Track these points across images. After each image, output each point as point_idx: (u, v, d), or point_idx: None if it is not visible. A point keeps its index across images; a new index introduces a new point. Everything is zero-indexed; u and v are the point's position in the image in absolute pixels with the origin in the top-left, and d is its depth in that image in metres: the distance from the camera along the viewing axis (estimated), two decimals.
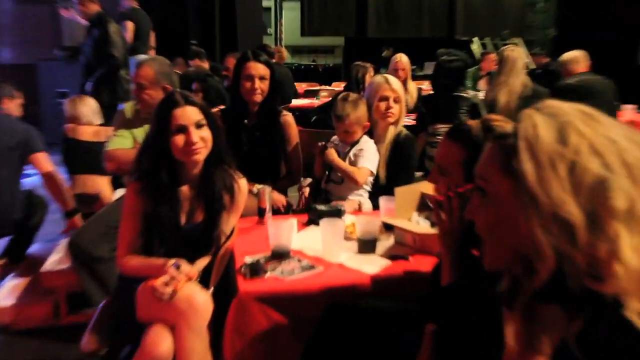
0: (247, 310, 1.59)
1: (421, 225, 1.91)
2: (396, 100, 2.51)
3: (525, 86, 3.89)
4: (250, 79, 2.55)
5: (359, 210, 2.40)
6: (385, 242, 1.96)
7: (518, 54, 3.98)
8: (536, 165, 0.78)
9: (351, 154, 2.48)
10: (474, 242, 1.30)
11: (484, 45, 10.72)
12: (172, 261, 1.66)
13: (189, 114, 1.74)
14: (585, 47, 4.12)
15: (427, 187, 1.52)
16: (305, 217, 2.21)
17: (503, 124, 1.32)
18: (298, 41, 12.31)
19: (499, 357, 0.88)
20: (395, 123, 2.55)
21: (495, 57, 6.99)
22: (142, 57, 5.62)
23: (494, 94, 3.96)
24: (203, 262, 1.80)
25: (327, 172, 2.54)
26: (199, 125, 1.74)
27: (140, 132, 2.57)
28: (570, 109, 0.82)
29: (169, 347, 1.59)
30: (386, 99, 2.51)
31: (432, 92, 4.33)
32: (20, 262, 3.00)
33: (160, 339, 1.59)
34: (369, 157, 2.45)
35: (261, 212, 2.20)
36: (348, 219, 2.13)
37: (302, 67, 12.35)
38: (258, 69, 2.56)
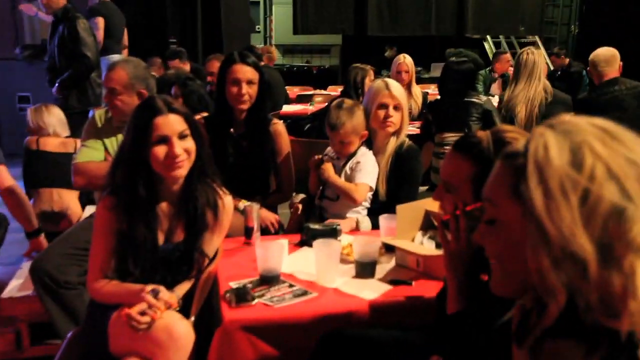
0: (233, 341, 1.61)
1: (425, 246, 1.94)
2: (397, 108, 2.55)
3: (546, 92, 3.94)
4: (237, 83, 2.59)
5: (356, 229, 2.42)
6: (386, 265, 1.99)
7: (538, 56, 4.02)
8: (545, 193, 0.79)
9: (347, 167, 2.51)
10: (483, 266, 1.34)
11: (497, 44, 10.81)
12: (150, 287, 1.69)
13: (172, 124, 1.75)
14: (610, 45, 4.17)
15: (432, 204, 1.56)
16: (297, 237, 2.23)
17: (516, 136, 1.35)
18: (290, 40, 12.33)
19: None
20: (397, 133, 2.58)
21: (509, 57, 7.08)
22: (114, 57, 5.66)
23: (511, 103, 3.99)
24: (183, 287, 1.82)
25: (321, 188, 2.57)
26: (182, 136, 1.76)
27: (113, 143, 2.60)
28: (587, 126, 0.82)
29: None
30: (385, 106, 2.54)
31: (439, 97, 4.39)
32: None
33: None
34: (367, 171, 2.48)
35: (248, 232, 2.23)
36: (344, 239, 2.16)
37: (295, 68, 12.39)
38: (245, 72, 2.60)
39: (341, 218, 2.45)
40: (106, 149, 2.59)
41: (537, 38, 11.03)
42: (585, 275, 0.76)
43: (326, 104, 4.84)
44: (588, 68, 4.12)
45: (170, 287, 1.79)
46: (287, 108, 6.21)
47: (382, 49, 10.16)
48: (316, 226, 2.21)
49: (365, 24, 9.44)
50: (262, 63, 6.33)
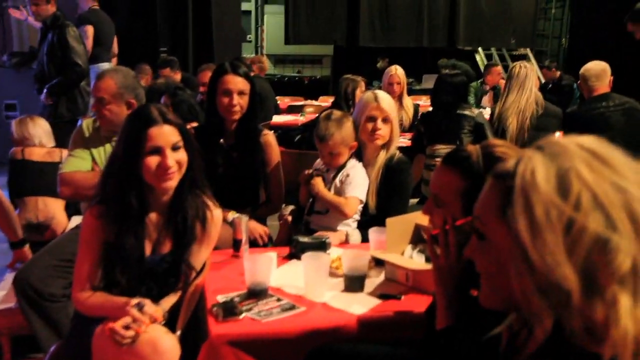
0: (219, 356, 1.60)
1: (415, 260, 1.94)
2: (385, 121, 2.55)
3: (537, 104, 3.98)
4: (228, 94, 2.60)
5: (346, 242, 2.43)
6: (375, 279, 1.99)
7: (530, 70, 4.07)
8: (530, 220, 0.79)
9: (337, 180, 2.52)
10: (473, 281, 1.34)
11: (489, 57, 10.91)
12: (135, 301, 1.68)
13: (166, 135, 1.76)
14: (600, 59, 4.21)
15: (423, 218, 1.56)
16: (286, 250, 2.23)
17: (506, 151, 1.36)
18: (281, 50, 12.41)
19: None
20: (387, 145, 2.58)
21: (500, 69, 7.14)
22: (104, 66, 5.67)
23: (503, 115, 4.03)
24: (169, 301, 1.81)
25: (310, 201, 2.57)
26: (175, 148, 1.77)
27: (100, 153, 2.59)
28: (576, 149, 0.82)
29: None
30: (373, 119, 2.55)
31: (431, 109, 4.41)
32: None
33: None
34: (357, 184, 2.49)
35: (236, 244, 2.22)
36: (334, 252, 2.16)
37: (286, 79, 12.43)
38: (237, 83, 2.61)
39: (331, 231, 2.45)
40: (93, 159, 2.58)
41: (528, 51, 11.16)
42: (569, 303, 0.76)
43: (317, 115, 4.84)
44: (579, 82, 4.16)
45: (156, 299, 1.78)
46: (277, 118, 6.21)
47: (374, 60, 10.21)
48: (305, 239, 2.21)
49: (357, 35, 9.51)
50: (253, 73, 6.35)
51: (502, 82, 6.84)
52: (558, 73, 8.93)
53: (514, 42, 10.55)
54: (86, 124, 2.65)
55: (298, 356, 1.61)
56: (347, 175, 2.50)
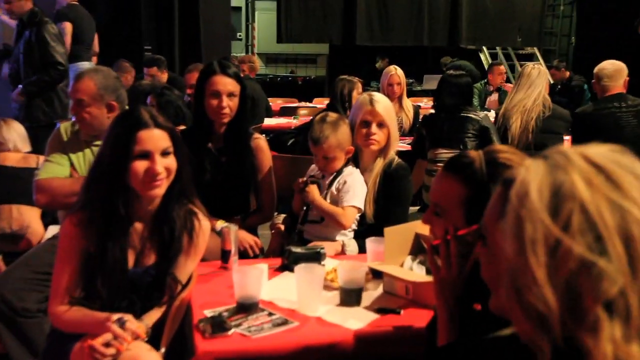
0: None
1: (415, 272, 1.95)
2: (381, 125, 2.55)
3: (544, 106, 4.01)
4: (217, 95, 2.60)
5: (342, 253, 2.43)
6: (373, 292, 1.99)
7: (542, 72, 4.12)
8: (517, 237, 0.80)
9: (333, 188, 2.52)
10: (476, 294, 1.35)
11: (493, 56, 10.95)
12: (116, 316, 1.67)
13: (156, 139, 1.76)
14: (609, 57, 4.25)
15: (423, 227, 1.57)
16: (277, 262, 2.23)
17: (510, 157, 1.37)
18: (273, 48, 12.41)
19: None
20: (384, 150, 2.59)
21: (504, 69, 7.16)
22: (84, 65, 5.65)
23: (507, 113, 4.06)
24: (153, 316, 1.81)
25: (304, 209, 2.57)
26: (164, 153, 1.77)
27: (79, 158, 2.59)
28: (580, 162, 0.81)
29: None
30: (368, 123, 2.55)
31: (432, 111, 4.42)
32: None
33: None
34: (355, 192, 2.49)
35: (225, 256, 2.22)
36: (329, 264, 2.16)
37: (278, 79, 12.46)
38: (226, 84, 2.61)
39: (326, 241, 2.45)
40: (72, 165, 2.58)
41: (535, 50, 11.21)
42: (549, 326, 0.77)
43: (311, 117, 4.86)
44: (593, 81, 4.19)
45: (138, 315, 1.78)
46: (269, 121, 6.23)
47: (372, 60, 10.24)
48: (298, 249, 2.21)
49: (354, 33, 9.53)
50: (244, 73, 6.37)
51: (505, 85, 6.87)
52: (567, 73, 8.98)
53: (520, 40, 10.58)
54: (64, 127, 2.65)
55: None
56: (345, 183, 2.50)
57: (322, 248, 2.23)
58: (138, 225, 1.84)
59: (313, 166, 2.64)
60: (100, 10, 7.21)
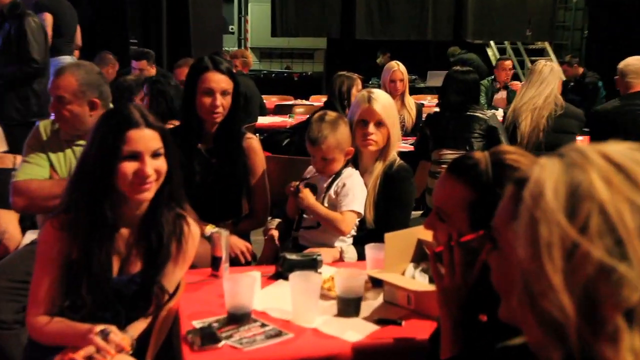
0: None
1: (418, 280, 1.95)
2: (379, 124, 2.55)
3: (556, 104, 4.02)
4: (210, 93, 2.61)
5: (340, 260, 2.43)
6: (372, 302, 2.00)
7: (555, 69, 4.13)
8: (532, 239, 0.79)
9: (332, 191, 2.52)
10: (482, 304, 1.35)
11: (502, 51, 10.97)
12: (99, 327, 1.67)
13: (147, 139, 1.76)
14: (620, 52, 4.27)
15: (426, 233, 1.57)
16: (271, 269, 2.23)
17: (518, 158, 1.37)
18: (268, 42, 12.44)
19: None
20: (385, 152, 2.59)
21: (510, 64, 7.16)
22: (65, 59, 5.65)
23: (517, 111, 4.07)
24: (139, 327, 1.81)
25: (299, 214, 2.57)
26: (155, 155, 1.77)
27: (60, 158, 2.59)
28: (598, 160, 0.81)
29: None
30: (365, 122, 2.55)
31: (436, 109, 4.43)
32: None
33: None
34: (355, 196, 2.49)
35: (215, 263, 2.22)
36: (326, 271, 2.16)
37: (273, 75, 12.48)
38: (220, 81, 2.62)
39: (323, 247, 2.45)
40: (52, 166, 2.57)
41: (546, 44, 11.23)
42: (566, 335, 0.77)
43: (308, 116, 4.86)
44: (616, 77, 4.19)
45: (123, 326, 1.78)
46: (263, 120, 6.24)
47: (372, 55, 10.26)
48: (293, 256, 2.21)
49: (353, 27, 9.55)
50: (236, 69, 6.36)
51: (513, 83, 6.86)
52: (581, 70, 9.00)
53: (529, 34, 10.59)
54: (43, 126, 2.64)
55: None
56: (344, 185, 2.51)
57: (319, 255, 2.23)
58: (124, 231, 1.84)
59: (310, 168, 2.64)
60: (82, 1, 7.20)
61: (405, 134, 4.83)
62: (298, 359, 1.67)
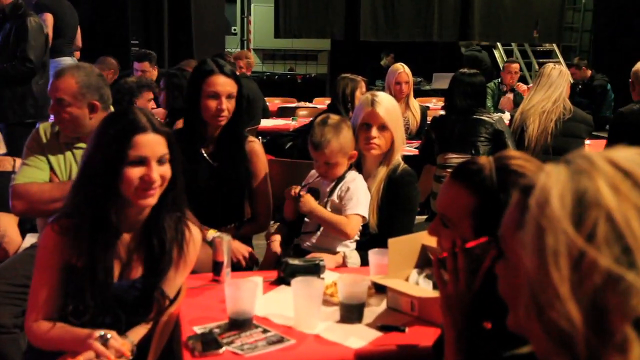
0: None
1: (422, 287, 1.95)
2: (382, 128, 2.56)
3: (565, 108, 4.02)
4: (216, 97, 2.62)
5: (342, 265, 2.44)
6: (375, 308, 2.00)
7: (564, 72, 4.13)
8: (538, 248, 0.79)
9: (335, 195, 2.52)
10: (487, 312, 1.36)
11: (509, 53, 10.96)
12: (99, 332, 1.68)
13: (154, 145, 1.77)
14: (628, 55, 4.26)
15: (430, 238, 1.57)
16: (273, 274, 2.24)
17: (523, 164, 1.37)
18: (271, 44, 12.46)
19: None
20: (389, 156, 2.59)
21: (517, 67, 7.15)
22: (66, 60, 5.68)
23: (524, 115, 4.07)
24: (139, 332, 1.82)
25: (299, 220, 2.57)
26: (161, 161, 1.78)
27: (60, 161, 2.59)
28: (605, 166, 0.81)
29: None
30: (368, 126, 2.55)
31: (442, 112, 4.43)
32: None
33: None
34: (359, 200, 2.49)
35: (217, 268, 2.23)
36: (328, 277, 2.17)
37: (276, 77, 12.49)
38: (225, 84, 2.63)
39: (326, 252, 2.46)
40: (52, 169, 2.58)
41: (554, 46, 11.21)
42: (573, 345, 0.77)
43: (311, 118, 4.87)
44: (630, 80, 4.17)
45: (123, 331, 1.78)
46: (266, 123, 6.24)
47: (377, 57, 10.26)
48: (296, 261, 2.21)
49: (358, 28, 9.52)
50: (239, 71, 6.38)
51: (519, 85, 6.86)
52: (589, 72, 8.99)
53: (537, 36, 10.57)
54: (43, 128, 2.65)
55: None
56: (348, 190, 2.51)
57: (322, 260, 2.24)
58: (125, 236, 1.85)
59: (313, 172, 2.64)
60: (83, 2, 7.23)
61: (410, 137, 4.83)
62: None
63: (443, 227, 1.44)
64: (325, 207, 2.52)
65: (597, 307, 0.75)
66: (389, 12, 9.67)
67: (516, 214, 0.88)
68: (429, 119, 4.93)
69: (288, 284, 2.05)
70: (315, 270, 2.17)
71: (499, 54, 10.94)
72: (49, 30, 5.71)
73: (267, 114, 6.68)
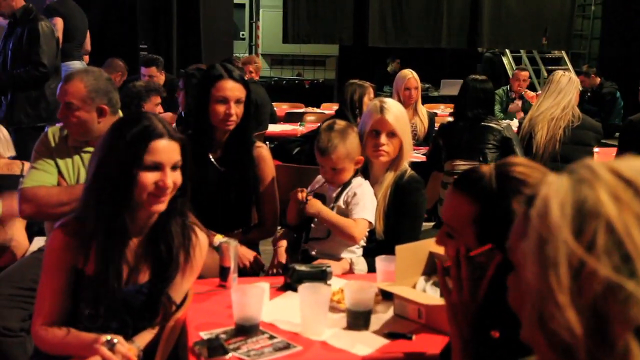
0: None
1: (429, 294, 1.95)
2: (391, 135, 2.55)
3: (573, 116, 4.01)
4: (225, 102, 2.62)
5: (349, 272, 2.43)
6: (382, 315, 2.00)
7: (573, 80, 4.12)
8: (539, 258, 0.79)
9: (341, 201, 2.52)
10: (494, 320, 1.35)
11: (517, 60, 10.95)
12: (105, 337, 1.68)
13: (170, 151, 1.77)
14: (636, 61, 4.25)
15: (437, 245, 1.58)
16: (280, 280, 2.24)
17: (525, 171, 1.36)
18: (279, 49, 12.50)
19: None
20: (396, 162, 2.59)
21: (526, 75, 7.15)
22: (75, 64, 5.71)
23: (533, 122, 4.07)
24: (145, 337, 1.82)
25: (306, 223, 2.57)
26: (174, 167, 1.79)
27: (68, 165, 2.60)
28: (607, 175, 0.81)
29: None
30: (377, 133, 2.55)
31: (450, 118, 4.42)
32: None
33: None
34: (365, 205, 2.49)
35: (223, 273, 2.23)
36: (335, 283, 2.17)
37: (284, 82, 12.52)
38: (234, 89, 2.64)
39: (333, 259, 2.46)
40: (60, 172, 2.59)
41: (563, 53, 11.19)
42: (574, 354, 0.77)
43: (319, 124, 4.87)
44: (639, 87, 4.16)
45: (129, 336, 1.78)
46: (273, 128, 6.24)
47: (385, 62, 10.27)
48: (302, 267, 2.21)
49: (366, 34, 9.54)
50: (247, 76, 6.39)
51: (527, 92, 6.84)
52: (598, 80, 8.97)
53: (545, 42, 10.55)
54: (52, 132, 2.66)
55: None
56: (354, 195, 2.50)
57: (329, 266, 2.23)
58: (133, 240, 1.85)
59: (319, 177, 2.64)
60: (92, 6, 7.27)
61: (417, 143, 4.83)
62: None
63: (448, 237, 1.44)
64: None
65: (598, 317, 0.75)
66: (398, 18, 9.68)
67: (521, 225, 0.87)
68: (437, 125, 4.93)
69: (295, 290, 2.05)
70: (322, 276, 2.17)
71: (507, 60, 10.93)
72: (60, 34, 5.75)
73: (275, 119, 6.69)
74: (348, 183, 2.54)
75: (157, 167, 1.75)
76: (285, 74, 13.67)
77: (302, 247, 2.60)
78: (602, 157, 4.51)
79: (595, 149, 4.21)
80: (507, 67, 10.64)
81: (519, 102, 6.80)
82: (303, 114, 7.13)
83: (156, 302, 1.84)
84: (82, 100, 2.53)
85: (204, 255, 1.96)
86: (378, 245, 2.48)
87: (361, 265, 2.45)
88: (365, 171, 2.62)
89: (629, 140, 4.05)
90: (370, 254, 2.39)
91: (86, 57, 6.45)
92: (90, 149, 2.54)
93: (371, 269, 2.35)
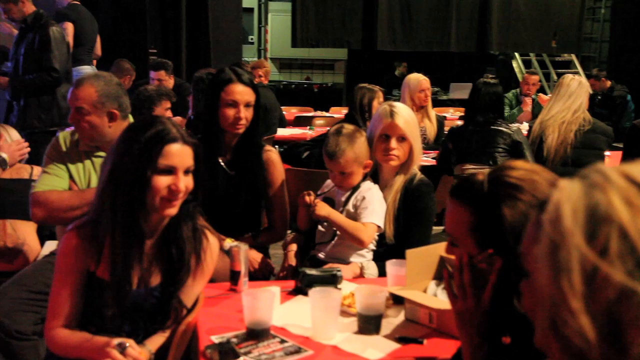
0: None
1: (440, 298, 1.95)
2: (401, 139, 2.55)
3: (584, 120, 4.00)
4: (234, 105, 2.64)
5: (360, 276, 2.43)
6: (393, 320, 2.00)
7: (583, 83, 4.11)
8: (551, 263, 0.79)
9: (350, 205, 2.52)
10: (505, 326, 1.35)
11: (527, 63, 10.93)
12: (117, 340, 1.69)
13: (183, 155, 1.78)
14: None
15: None
16: (290, 284, 2.24)
17: (522, 175, 1.35)
18: (288, 53, 12.52)
19: None
20: (405, 167, 2.59)
21: (536, 79, 7.13)
22: (85, 69, 5.74)
23: (544, 125, 4.05)
24: (157, 341, 1.82)
25: (319, 228, 2.57)
26: (187, 172, 1.79)
27: (79, 169, 2.62)
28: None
29: None
30: (387, 137, 2.55)
31: (459, 122, 4.42)
32: None
33: None
34: (374, 209, 2.49)
35: (234, 277, 2.24)
36: (346, 287, 2.17)
37: (293, 86, 12.54)
38: (244, 93, 2.65)
39: (342, 263, 2.46)
40: (71, 177, 2.60)
41: (573, 57, 11.16)
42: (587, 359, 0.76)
43: (328, 128, 4.88)
44: None
45: (140, 339, 1.79)
46: (282, 132, 6.26)
47: (394, 66, 10.27)
48: (313, 272, 2.21)
49: (375, 37, 9.53)
50: (256, 80, 6.41)
51: (540, 96, 6.82)
52: (608, 83, 8.93)
53: (555, 46, 10.52)
54: (63, 137, 2.67)
55: None
56: (363, 199, 2.50)
57: (339, 270, 2.24)
58: (145, 243, 1.85)
59: (328, 181, 2.64)
60: (102, 11, 7.31)
61: (427, 146, 4.82)
62: None
63: (452, 245, 1.45)
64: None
65: (611, 322, 0.75)
66: (406, 22, 9.67)
67: (533, 231, 0.87)
68: (446, 128, 4.93)
69: (305, 294, 2.06)
70: (332, 280, 2.17)
71: (516, 64, 10.91)
72: (70, 39, 5.79)
73: (284, 123, 6.70)
74: (357, 187, 2.54)
75: (170, 170, 1.76)
76: (294, 78, 13.67)
77: (311, 252, 2.59)
78: (613, 161, 4.50)
79: (607, 153, 4.19)
80: (517, 70, 10.61)
81: (528, 109, 6.73)
82: (312, 117, 7.14)
83: (167, 305, 1.85)
84: (92, 105, 2.54)
85: (215, 258, 1.96)
86: (388, 249, 2.47)
87: (372, 269, 2.46)
88: (374, 175, 2.62)
89: (634, 144, 4.04)
90: (380, 258, 2.39)
91: (94, 62, 6.48)
92: (101, 153, 2.55)
93: (382, 273, 2.35)
